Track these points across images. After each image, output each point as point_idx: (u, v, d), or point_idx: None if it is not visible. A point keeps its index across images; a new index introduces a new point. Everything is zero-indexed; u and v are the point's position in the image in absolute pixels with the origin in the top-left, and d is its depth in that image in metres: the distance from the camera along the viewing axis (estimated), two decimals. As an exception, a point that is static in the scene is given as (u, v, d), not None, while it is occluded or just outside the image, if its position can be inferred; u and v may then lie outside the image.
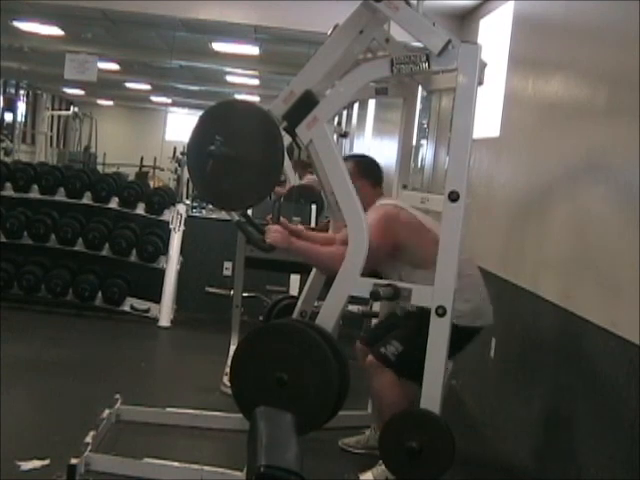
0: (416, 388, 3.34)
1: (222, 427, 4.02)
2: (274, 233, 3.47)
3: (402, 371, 3.49)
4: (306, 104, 3.30)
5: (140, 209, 6.92)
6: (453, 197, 3.09)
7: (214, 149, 3.23)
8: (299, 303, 4.00)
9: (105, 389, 4.30)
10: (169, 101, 20.31)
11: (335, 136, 7.19)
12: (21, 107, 18.04)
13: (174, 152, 14.02)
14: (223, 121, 3.35)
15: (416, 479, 3.18)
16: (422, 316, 3.24)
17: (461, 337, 3.45)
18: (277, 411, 2.13)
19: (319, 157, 3.36)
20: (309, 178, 6.86)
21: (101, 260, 6.82)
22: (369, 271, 3.35)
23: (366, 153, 4.24)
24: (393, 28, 3.60)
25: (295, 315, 3.94)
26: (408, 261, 3.54)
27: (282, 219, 3.64)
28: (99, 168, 15.49)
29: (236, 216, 3.55)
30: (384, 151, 8.91)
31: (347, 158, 3.85)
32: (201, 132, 3.35)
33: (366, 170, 3.80)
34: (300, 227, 4.06)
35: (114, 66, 12.30)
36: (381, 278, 3.50)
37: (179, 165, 13.12)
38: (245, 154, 3.28)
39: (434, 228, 3.48)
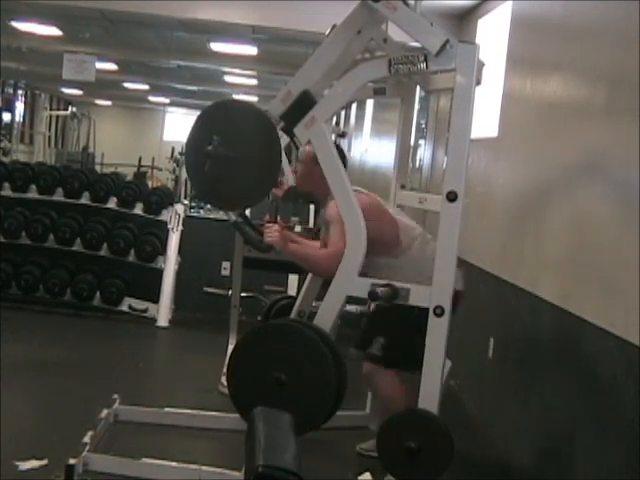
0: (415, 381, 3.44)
1: (220, 427, 4.02)
2: (273, 233, 3.49)
3: (390, 362, 3.52)
4: (304, 104, 3.30)
5: (138, 209, 6.92)
6: (451, 197, 3.10)
7: (211, 149, 3.23)
8: (297, 303, 4.00)
9: (103, 389, 4.30)
10: (167, 101, 20.34)
11: (333, 136, 7.19)
12: (19, 107, 18.06)
13: (172, 152, 14.02)
14: (220, 121, 3.35)
15: (414, 479, 3.18)
16: (394, 309, 3.38)
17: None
18: (275, 411, 2.12)
19: (317, 157, 3.36)
20: None
21: (99, 260, 6.82)
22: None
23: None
24: (391, 28, 3.60)
25: (293, 315, 3.94)
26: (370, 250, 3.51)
27: (279, 219, 3.65)
28: (97, 168, 15.50)
29: (233, 216, 3.55)
30: (382, 151, 8.92)
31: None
32: (198, 132, 3.35)
33: None
34: (297, 236, 4.05)
35: (112, 66, 12.29)
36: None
37: (177, 165, 13.12)
38: (243, 154, 3.28)
39: (390, 211, 3.69)
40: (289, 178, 6.95)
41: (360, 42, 3.56)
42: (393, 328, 3.52)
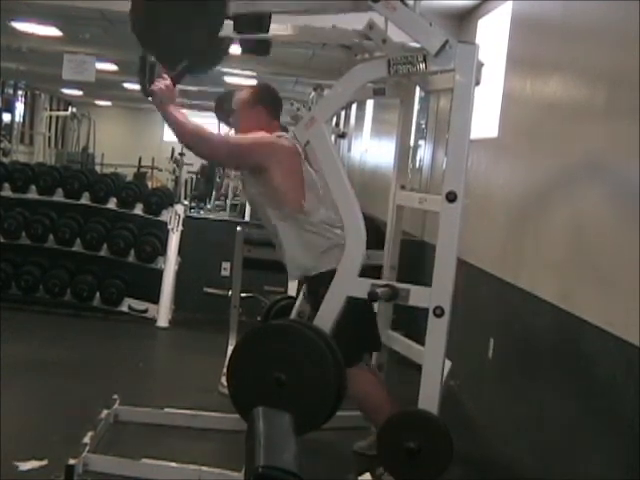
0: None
1: (220, 427, 4.02)
2: (162, 85, 3.41)
3: (348, 360, 3.32)
4: None
5: (138, 209, 6.92)
6: (451, 197, 3.10)
7: None
8: (297, 304, 4.00)
9: (103, 389, 4.30)
10: (167, 101, 20.31)
11: (333, 137, 7.20)
12: (19, 107, 18.05)
13: (172, 152, 14.03)
14: None
15: (414, 479, 3.18)
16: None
17: None
18: (275, 411, 2.12)
19: (317, 158, 3.36)
20: None
21: (99, 260, 6.82)
22: (210, 160, 3.42)
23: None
24: (390, 28, 3.60)
25: (293, 316, 3.94)
26: (266, 194, 3.54)
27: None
28: (97, 168, 15.53)
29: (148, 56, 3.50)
30: (382, 151, 8.92)
31: (249, 87, 3.81)
32: None
33: (264, 97, 3.75)
34: None
35: (112, 66, 12.28)
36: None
37: (177, 166, 13.14)
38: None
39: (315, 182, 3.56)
40: None
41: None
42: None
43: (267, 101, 3.76)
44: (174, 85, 3.45)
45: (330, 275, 3.31)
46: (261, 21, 3.38)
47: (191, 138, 3.51)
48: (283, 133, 3.69)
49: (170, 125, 3.54)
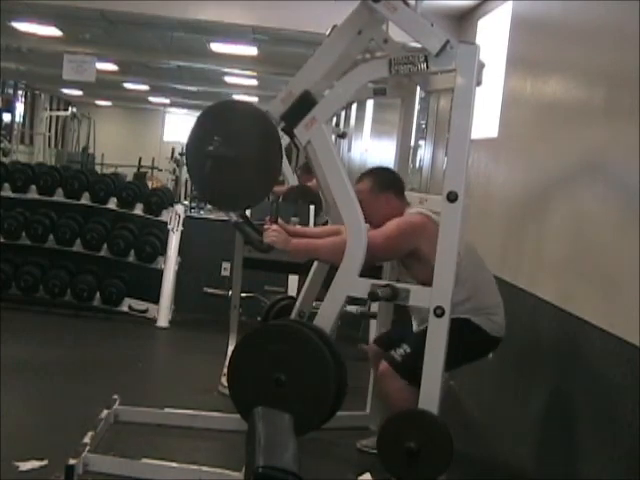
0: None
1: (220, 428, 4.01)
2: (272, 233, 3.48)
3: (405, 372, 3.34)
4: (304, 104, 3.31)
5: (138, 210, 6.92)
6: (451, 197, 3.10)
7: (212, 149, 3.24)
8: (297, 304, 4.00)
9: (103, 389, 4.30)
10: (167, 101, 20.34)
11: (333, 136, 7.20)
12: (19, 108, 18.08)
13: (172, 152, 14.05)
14: (221, 121, 3.36)
15: (414, 479, 3.18)
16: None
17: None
18: (275, 412, 2.13)
19: (317, 157, 3.36)
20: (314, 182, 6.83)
21: (99, 260, 6.81)
22: (369, 266, 3.35)
23: (387, 165, 4.03)
24: (391, 29, 3.60)
25: (293, 316, 3.94)
26: (417, 272, 3.48)
27: (280, 220, 3.63)
28: (97, 168, 15.54)
29: (234, 216, 3.55)
30: (382, 151, 8.92)
31: (364, 175, 3.71)
32: (199, 132, 3.36)
33: (387, 181, 3.66)
34: (298, 227, 4.04)
35: (112, 67, 12.30)
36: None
37: (177, 165, 13.15)
38: (243, 154, 3.29)
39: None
40: (289, 178, 6.96)
41: (361, 42, 3.56)
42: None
43: (390, 185, 3.65)
44: (276, 223, 3.55)
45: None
46: (305, 102, 3.35)
47: (334, 255, 3.39)
48: (419, 209, 3.60)
49: (310, 256, 3.70)
